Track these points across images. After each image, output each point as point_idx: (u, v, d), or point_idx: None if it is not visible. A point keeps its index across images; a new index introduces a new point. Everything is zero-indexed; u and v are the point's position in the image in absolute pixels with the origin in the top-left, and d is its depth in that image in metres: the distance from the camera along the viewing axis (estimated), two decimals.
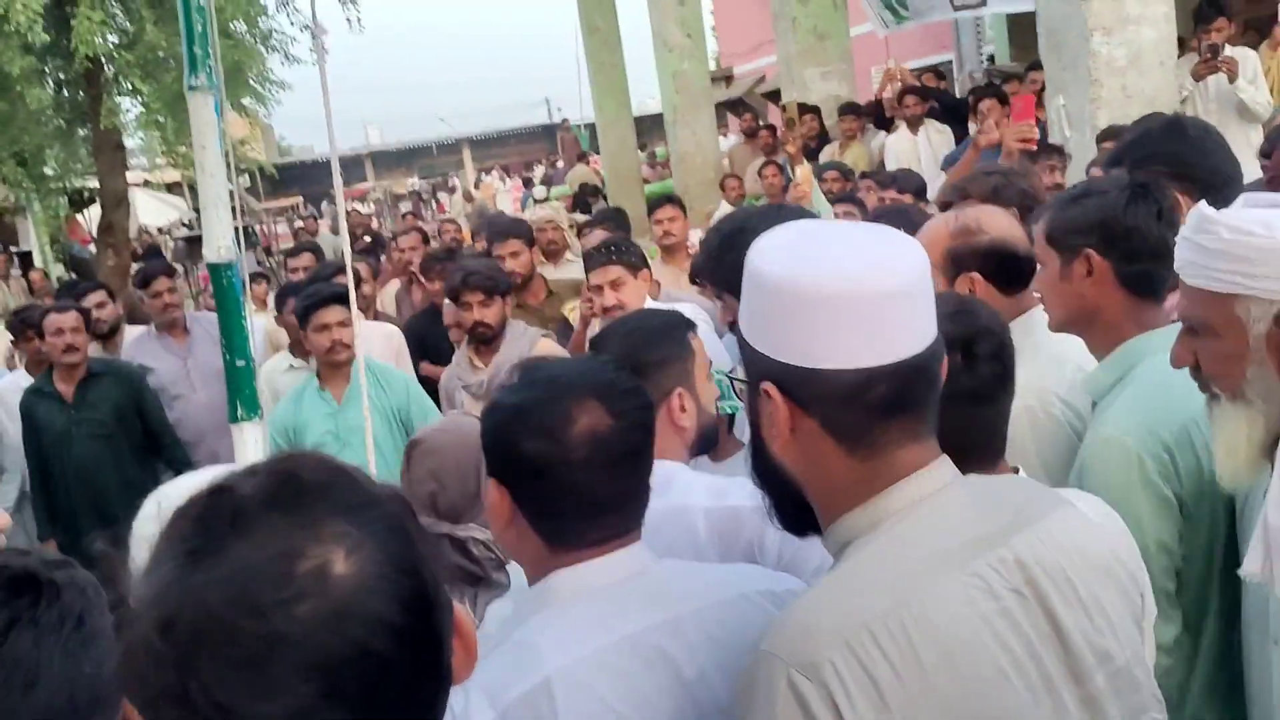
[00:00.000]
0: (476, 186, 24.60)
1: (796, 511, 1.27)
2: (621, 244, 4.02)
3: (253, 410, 2.68)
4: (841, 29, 9.83)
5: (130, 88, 11.84)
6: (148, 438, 5.17)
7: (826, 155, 9.04)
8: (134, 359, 5.51)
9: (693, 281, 4.60)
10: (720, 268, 2.27)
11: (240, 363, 2.66)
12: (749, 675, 1.13)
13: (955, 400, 1.46)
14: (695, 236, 5.51)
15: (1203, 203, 1.62)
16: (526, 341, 4.20)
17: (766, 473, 1.26)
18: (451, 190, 26.80)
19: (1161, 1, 5.73)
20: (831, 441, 1.19)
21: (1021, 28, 14.55)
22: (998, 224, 2.32)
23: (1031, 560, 1.17)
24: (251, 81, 12.43)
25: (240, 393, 2.67)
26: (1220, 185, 2.36)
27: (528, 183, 21.80)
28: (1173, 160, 2.46)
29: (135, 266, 9.77)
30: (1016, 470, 1.69)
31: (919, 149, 8.74)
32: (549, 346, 4.18)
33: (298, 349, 4.95)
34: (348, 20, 12.63)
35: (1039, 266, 2.17)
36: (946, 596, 1.12)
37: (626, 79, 13.88)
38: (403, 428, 4.17)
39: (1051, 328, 2.15)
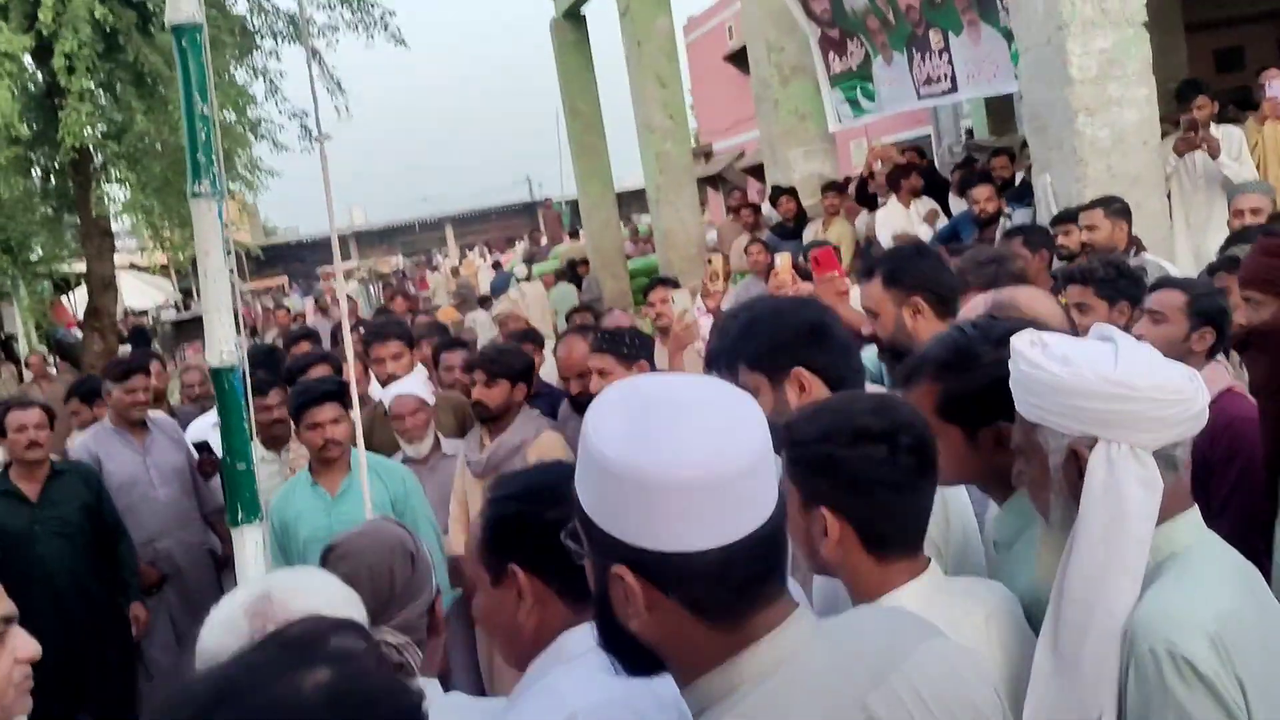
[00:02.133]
0: (460, 263, 24.75)
1: (647, 666, 1.26)
2: (622, 335, 4.03)
3: (253, 514, 2.63)
4: (821, 109, 9.97)
5: (118, 175, 11.88)
6: (102, 537, 5.06)
7: (809, 234, 9.11)
8: (91, 452, 5.40)
9: (708, 368, 4.56)
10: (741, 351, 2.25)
11: (240, 465, 2.61)
12: None
13: (877, 489, 1.60)
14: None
15: (1021, 334, 1.67)
16: (532, 429, 4.18)
17: (618, 644, 1.25)
18: (434, 268, 26.90)
19: (1142, 84, 5.85)
20: (691, 617, 1.19)
21: (999, 101, 14.84)
22: (1033, 304, 2.41)
23: (886, 717, 1.20)
24: (240, 169, 12.49)
25: (240, 495, 2.62)
26: None
27: (496, 265, 21.71)
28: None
29: (123, 348, 9.69)
30: (929, 562, 1.72)
31: (912, 221, 8.82)
32: (551, 442, 4.13)
33: (271, 442, 4.86)
34: (335, 109, 12.77)
35: None
36: None
37: (609, 160, 14.05)
38: (400, 518, 4.10)
39: None
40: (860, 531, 1.63)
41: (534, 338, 6.03)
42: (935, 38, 8.08)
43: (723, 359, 2.23)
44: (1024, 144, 9.03)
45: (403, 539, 1.98)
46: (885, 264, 3.10)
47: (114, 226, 13.59)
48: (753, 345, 2.17)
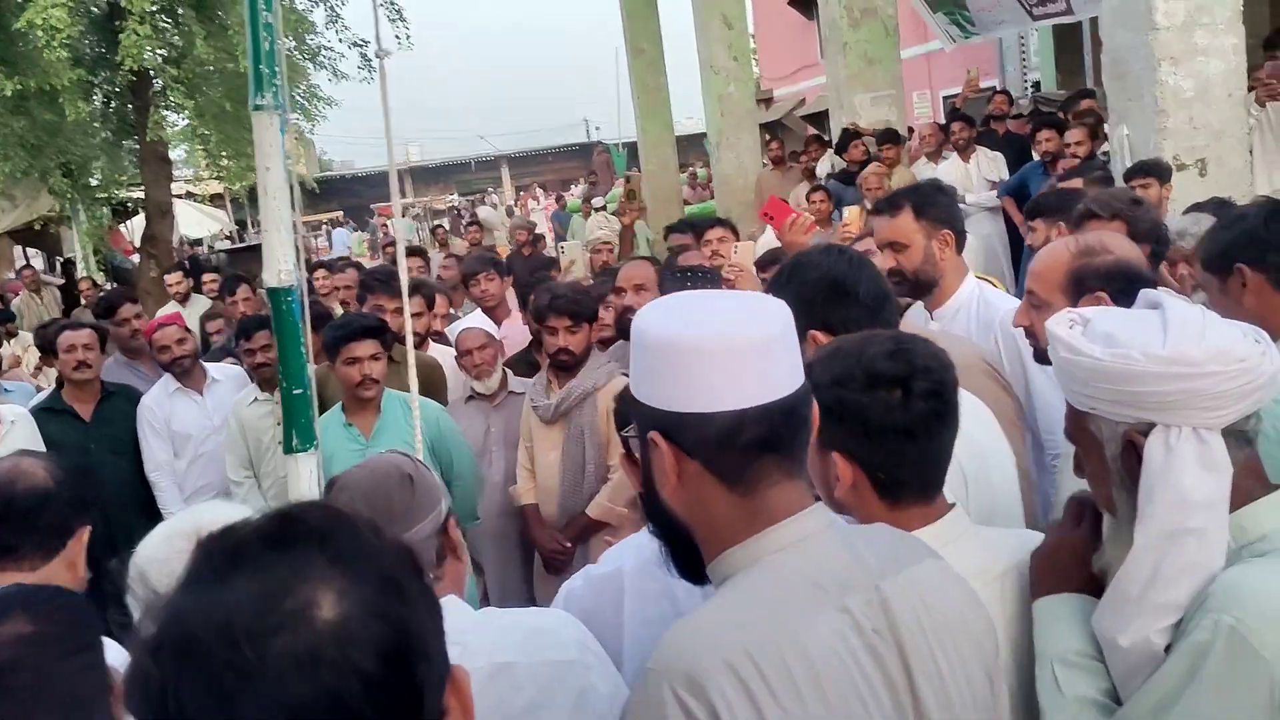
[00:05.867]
0: (515, 203, 24.66)
1: (691, 559, 1.36)
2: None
3: (308, 440, 2.59)
4: (892, 54, 9.70)
5: (176, 102, 11.90)
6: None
7: None
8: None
9: None
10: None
11: (297, 390, 2.57)
12: (638, 693, 1.22)
13: (887, 435, 1.58)
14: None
15: (1059, 315, 1.56)
16: (604, 374, 4.09)
17: (660, 520, 1.37)
18: (493, 207, 26.89)
19: (1231, 33, 5.60)
20: (713, 480, 1.29)
21: (1067, 53, 14.42)
22: (1120, 245, 2.34)
23: (895, 605, 1.26)
24: (299, 97, 12.46)
25: (296, 422, 2.58)
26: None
27: (560, 199, 21.75)
28: None
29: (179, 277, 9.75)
30: (950, 508, 1.66)
31: (970, 176, 8.62)
32: (623, 386, 4.07)
33: (266, 384, 4.76)
34: (396, 38, 12.67)
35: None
36: (820, 629, 1.21)
37: (670, 101, 13.87)
38: (437, 461, 4.06)
39: None
40: (872, 477, 1.61)
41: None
42: None
43: None
44: (1075, 95, 8.75)
45: (399, 464, 1.96)
46: (914, 197, 3.14)
47: (171, 154, 13.67)
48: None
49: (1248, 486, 1.47)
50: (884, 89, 9.61)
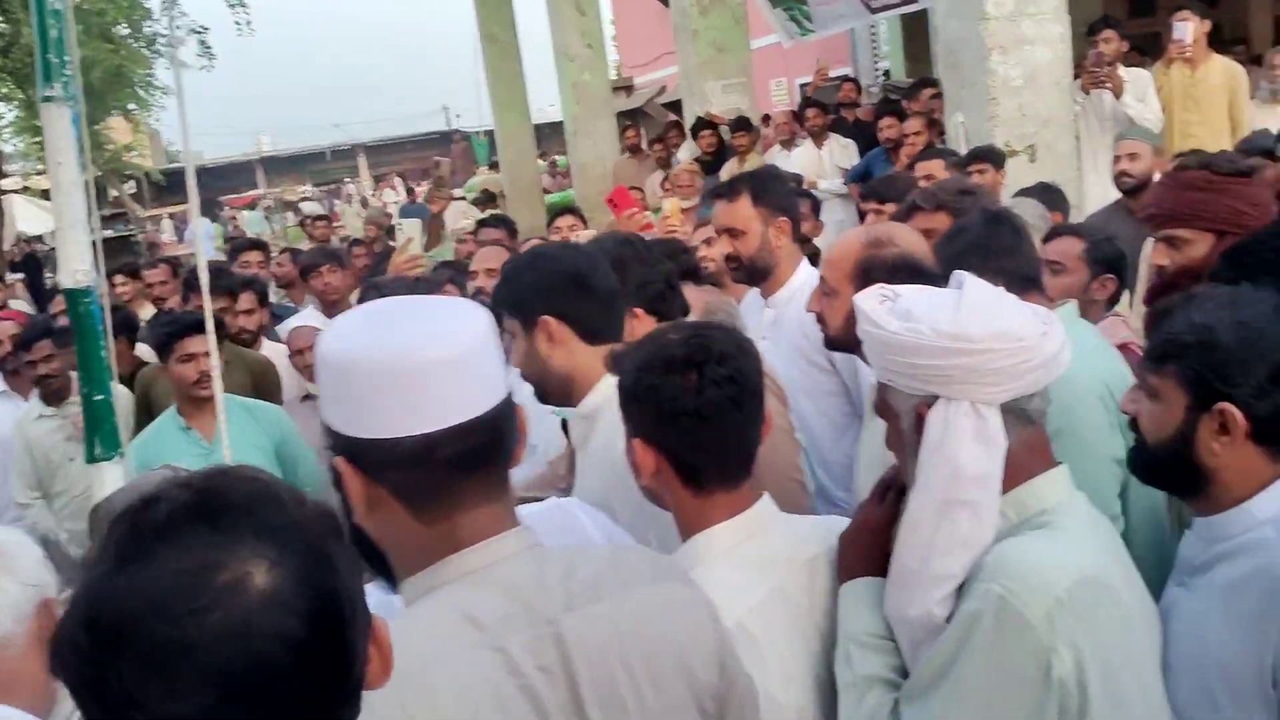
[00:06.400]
0: (373, 193, 24.15)
1: (386, 566, 1.32)
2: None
3: (113, 448, 2.47)
4: (742, 42, 9.79)
5: (6, 92, 11.28)
6: None
7: (727, 171, 9.00)
8: None
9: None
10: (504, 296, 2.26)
11: (99, 396, 2.44)
12: None
13: (684, 419, 1.57)
14: None
15: (869, 290, 1.62)
16: None
17: (361, 546, 1.29)
18: (348, 199, 26.25)
19: (1056, 23, 5.80)
20: (400, 507, 1.24)
21: (916, 42, 14.81)
22: (907, 238, 2.43)
23: (573, 638, 1.22)
24: (137, 87, 11.94)
25: (100, 429, 2.45)
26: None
27: (411, 192, 21.24)
28: None
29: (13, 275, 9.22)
30: (758, 497, 1.68)
31: (824, 163, 8.76)
32: None
33: (52, 397, 4.50)
34: (236, 24, 12.23)
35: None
36: (459, 669, 1.16)
37: (526, 89, 13.74)
38: (282, 464, 3.91)
39: None
40: (673, 463, 1.61)
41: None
42: None
43: (494, 303, 2.24)
44: (918, 84, 8.96)
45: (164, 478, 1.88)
46: (752, 183, 3.19)
47: (5, 149, 12.95)
48: (513, 291, 2.18)
49: (1031, 463, 1.53)
50: (735, 77, 9.69)
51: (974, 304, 1.49)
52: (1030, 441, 1.52)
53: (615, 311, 2.23)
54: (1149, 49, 8.81)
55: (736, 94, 9.68)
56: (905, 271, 2.29)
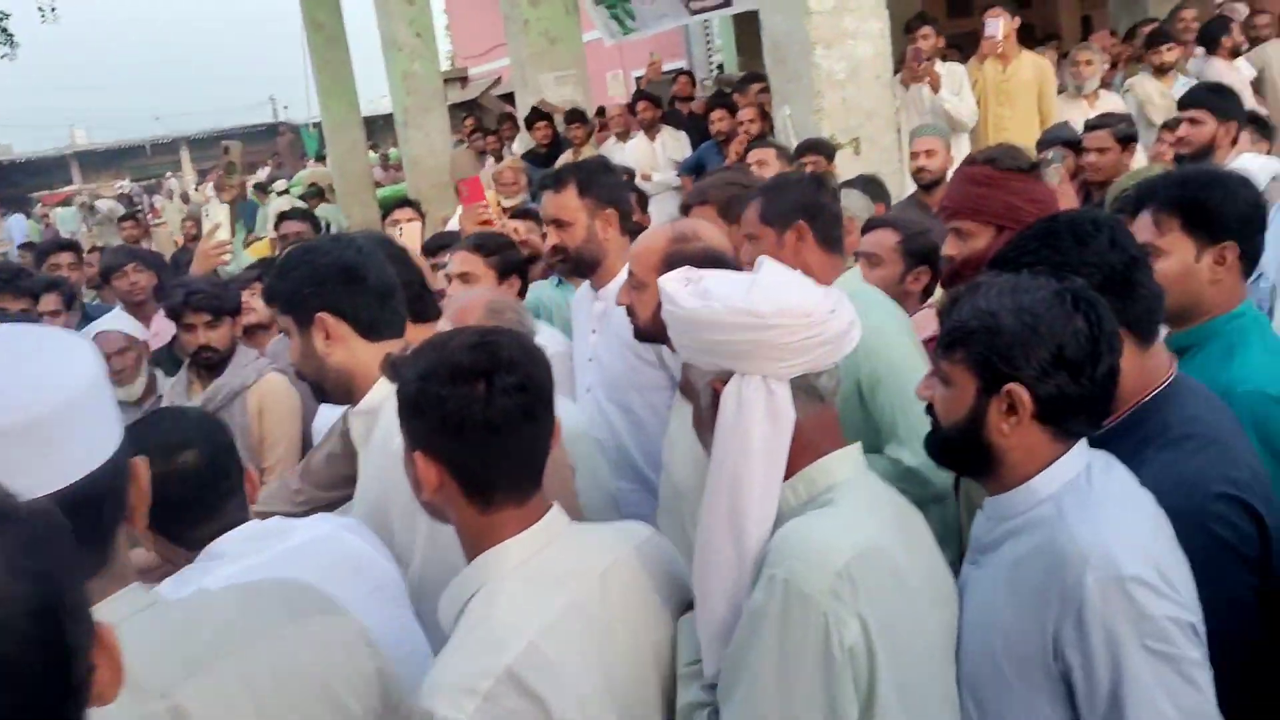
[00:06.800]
0: (196, 188, 23.14)
1: None
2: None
3: None
4: (574, 33, 9.74)
5: None
6: None
7: (562, 164, 8.93)
8: None
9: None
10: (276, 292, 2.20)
11: None
12: None
13: (470, 430, 1.49)
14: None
15: (674, 273, 1.67)
16: (253, 371, 3.83)
17: None
18: (169, 195, 25.10)
19: (876, 19, 5.95)
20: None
21: (749, 36, 15.03)
22: (710, 233, 2.53)
23: (196, 709, 1.15)
24: None
25: None
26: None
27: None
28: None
29: None
30: (548, 509, 1.64)
31: (656, 156, 8.79)
32: (276, 385, 3.78)
33: None
34: (40, 10, 11.50)
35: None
36: None
37: (354, 78, 13.38)
38: None
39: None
40: (459, 477, 1.53)
41: None
42: None
43: (266, 300, 2.20)
44: (747, 79, 9.11)
45: None
46: (579, 174, 3.19)
47: None
48: (285, 286, 2.13)
49: (821, 441, 1.59)
50: (568, 68, 9.64)
51: (766, 283, 1.56)
52: (821, 419, 1.59)
53: (392, 305, 2.18)
54: (966, 47, 9.12)
55: (570, 86, 9.63)
56: (711, 265, 2.34)
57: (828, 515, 1.51)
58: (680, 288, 1.60)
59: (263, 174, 21.76)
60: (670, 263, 2.36)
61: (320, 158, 17.94)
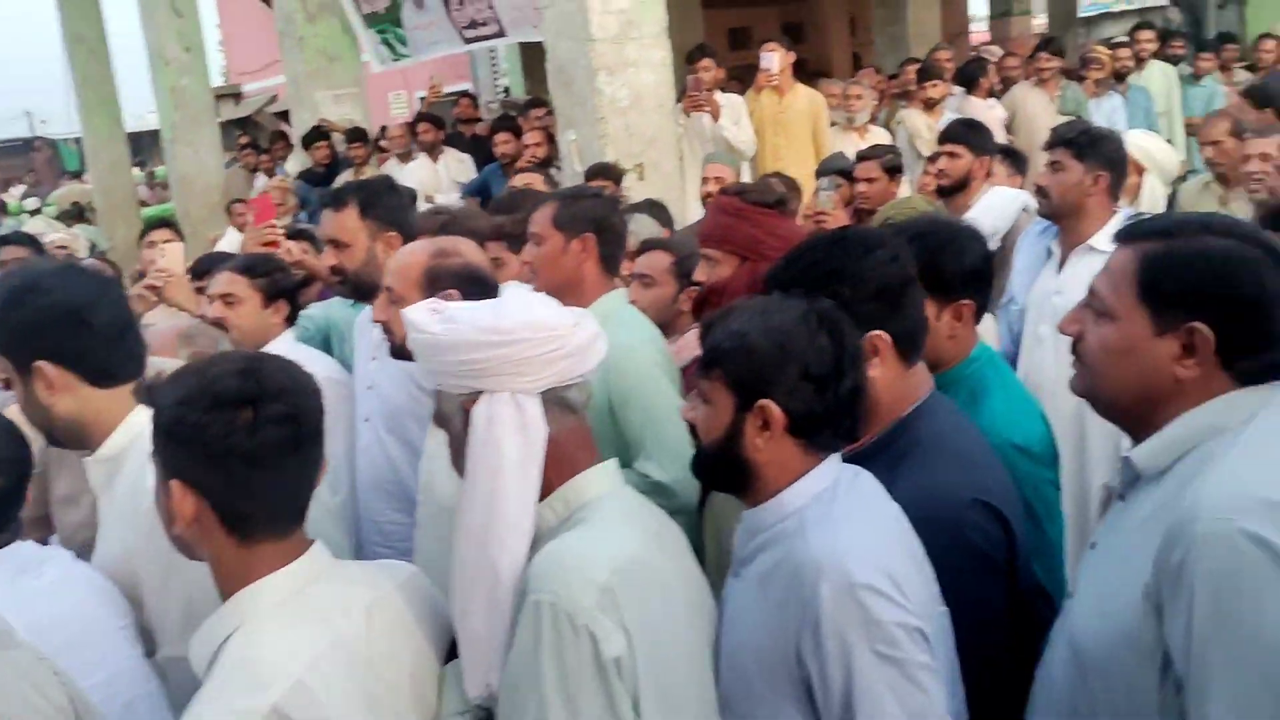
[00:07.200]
0: None
1: None
2: None
3: None
4: (352, 52, 9.47)
5: None
6: None
7: (342, 181, 8.69)
8: None
9: None
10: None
11: None
12: None
13: (231, 460, 1.43)
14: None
15: (420, 304, 1.68)
16: None
17: None
18: None
19: (658, 47, 6.03)
20: None
21: (535, 61, 15.08)
22: (468, 250, 2.58)
23: None
24: None
25: None
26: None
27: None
28: None
29: None
30: (310, 545, 1.60)
31: (440, 177, 8.67)
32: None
33: None
34: None
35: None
36: None
37: (117, 93, 12.65)
38: None
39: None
40: (217, 510, 1.47)
41: None
42: None
43: None
44: (530, 104, 9.14)
45: None
46: (361, 194, 3.14)
47: None
48: (3, 330, 1.90)
49: (576, 457, 1.62)
50: (346, 87, 9.37)
51: (509, 302, 1.62)
52: (575, 433, 1.62)
53: (127, 346, 1.97)
54: (746, 78, 9.42)
55: (349, 104, 9.38)
56: (469, 280, 2.41)
57: (585, 533, 1.54)
58: (425, 315, 1.61)
59: (16, 191, 20.29)
60: (431, 277, 2.41)
61: (76, 174, 16.88)
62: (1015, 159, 5.29)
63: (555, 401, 1.57)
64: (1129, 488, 1.56)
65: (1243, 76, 8.44)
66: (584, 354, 1.59)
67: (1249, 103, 5.52)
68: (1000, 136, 6.53)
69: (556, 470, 1.58)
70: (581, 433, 1.64)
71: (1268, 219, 3.43)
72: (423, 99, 13.16)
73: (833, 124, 7.36)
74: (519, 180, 4.91)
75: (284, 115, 15.53)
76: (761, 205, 2.74)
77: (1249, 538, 1.29)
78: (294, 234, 4.71)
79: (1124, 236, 1.58)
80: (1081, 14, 17.92)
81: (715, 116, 6.76)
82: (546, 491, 1.58)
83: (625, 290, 2.94)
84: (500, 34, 8.11)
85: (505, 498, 1.52)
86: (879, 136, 6.95)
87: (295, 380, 1.50)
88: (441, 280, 2.40)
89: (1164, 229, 1.53)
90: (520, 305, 1.60)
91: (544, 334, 1.55)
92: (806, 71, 11.73)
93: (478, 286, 2.38)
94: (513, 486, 1.53)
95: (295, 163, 9.65)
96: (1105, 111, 7.94)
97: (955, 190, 4.48)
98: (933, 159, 5.00)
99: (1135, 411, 1.54)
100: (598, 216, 2.78)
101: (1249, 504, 1.32)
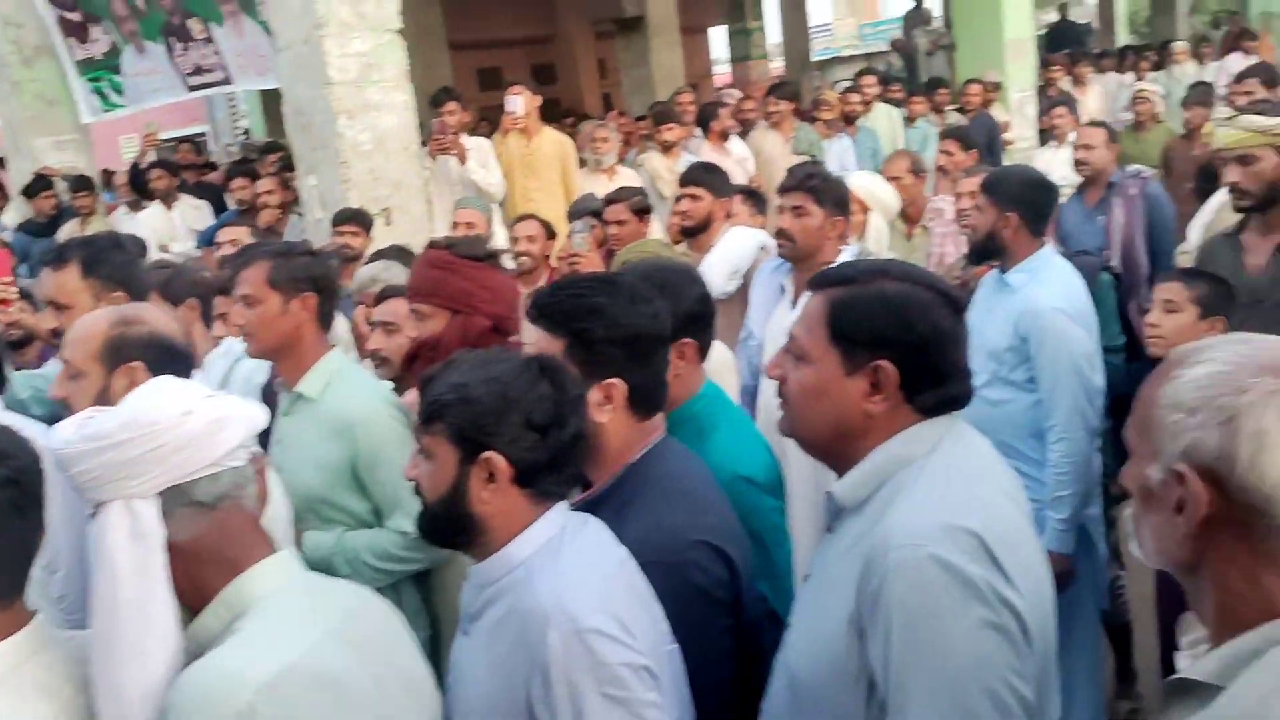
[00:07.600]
0: None
1: None
2: None
3: None
4: (72, 95, 8.94)
5: None
6: None
7: (66, 232, 8.14)
8: None
9: None
10: None
11: None
12: None
13: None
14: None
15: (75, 416, 1.58)
16: None
17: None
18: None
19: (400, 90, 5.98)
20: None
21: (275, 101, 14.68)
22: (156, 318, 2.39)
23: None
24: None
25: None
26: None
27: None
28: None
29: None
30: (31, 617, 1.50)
31: (175, 225, 8.28)
32: None
33: None
34: None
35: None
36: None
37: None
38: None
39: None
40: None
41: None
42: (196, 27, 7.60)
43: None
44: (266, 149, 8.90)
45: None
46: (84, 252, 2.96)
47: None
48: None
49: (236, 555, 1.48)
50: (68, 133, 8.81)
51: (126, 403, 1.47)
52: (225, 529, 1.48)
53: None
54: (496, 119, 9.46)
55: (71, 151, 8.81)
56: (157, 350, 2.27)
57: (235, 645, 1.41)
58: (70, 425, 1.47)
59: None
60: (112, 348, 2.25)
61: None
62: (756, 199, 5.51)
63: (180, 500, 1.44)
64: (835, 519, 1.64)
65: (955, 118, 9.11)
66: (204, 443, 1.45)
67: (958, 145, 5.95)
68: (739, 177, 6.79)
69: (214, 571, 1.46)
70: (240, 526, 1.50)
71: (972, 254, 3.69)
72: (167, 143, 12.54)
73: (582, 164, 7.48)
74: (224, 235, 4.73)
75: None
76: (472, 259, 2.75)
77: (936, 562, 1.39)
78: None
79: (814, 284, 1.67)
80: (815, 58, 18.98)
81: (462, 160, 6.75)
82: (207, 597, 1.46)
83: (341, 348, 2.88)
84: (227, 81, 7.82)
85: (126, 619, 1.39)
86: (627, 177, 7.10)
87: (18, 444, 1.40)
88: (124, 352, 2.25)
89: (848, 276, 1.63)
90: (130, 403, 1.46)
91: (143, 431, 1.42)
92: (559, 112, 11.92)
93: (167, 357, 2.25)
94: (132, 596, 1.39)
95: (14, 213, 8.97)
96: (836, 152, 8.40)
97: (698, 230, 4.62)
98: (677, 200, 5.16)
99: (834, 447, 1.63)
100: (316, 275, 2.72)
101: (934, 530, 1.42)
